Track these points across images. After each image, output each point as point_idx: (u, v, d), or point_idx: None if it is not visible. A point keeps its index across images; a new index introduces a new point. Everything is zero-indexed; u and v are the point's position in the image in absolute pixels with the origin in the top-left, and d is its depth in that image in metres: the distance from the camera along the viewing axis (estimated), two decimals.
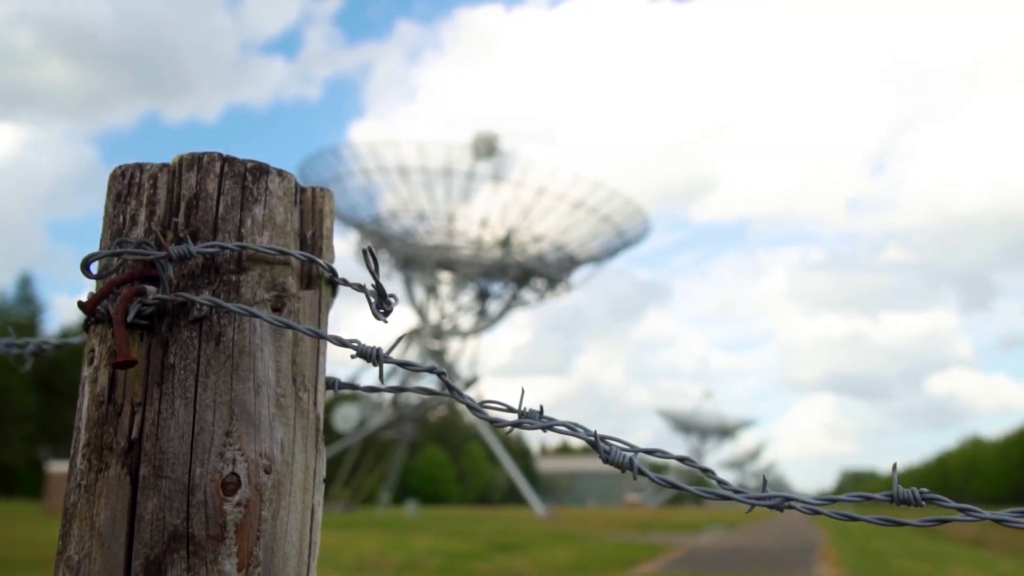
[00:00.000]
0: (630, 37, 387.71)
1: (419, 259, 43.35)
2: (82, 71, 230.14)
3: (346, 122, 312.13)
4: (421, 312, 44.66)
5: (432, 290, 43.90)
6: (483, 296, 47.78)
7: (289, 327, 0.75)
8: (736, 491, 0.71)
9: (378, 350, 0.77)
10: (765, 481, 0.71)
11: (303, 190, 0.87)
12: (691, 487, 0.74)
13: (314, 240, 0.84)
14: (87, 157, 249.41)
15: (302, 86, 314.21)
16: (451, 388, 0.77)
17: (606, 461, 0.73)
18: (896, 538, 24.64)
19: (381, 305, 0.80)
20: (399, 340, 0.79)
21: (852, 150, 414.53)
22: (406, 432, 45.25)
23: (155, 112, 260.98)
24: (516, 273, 44.30)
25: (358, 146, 41.35)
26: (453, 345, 46.05)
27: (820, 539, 24.00)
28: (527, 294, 46.16)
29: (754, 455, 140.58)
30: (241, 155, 0.80)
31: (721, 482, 0.73)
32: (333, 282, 0.84)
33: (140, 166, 0.82)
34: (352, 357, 0.80)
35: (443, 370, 0.78)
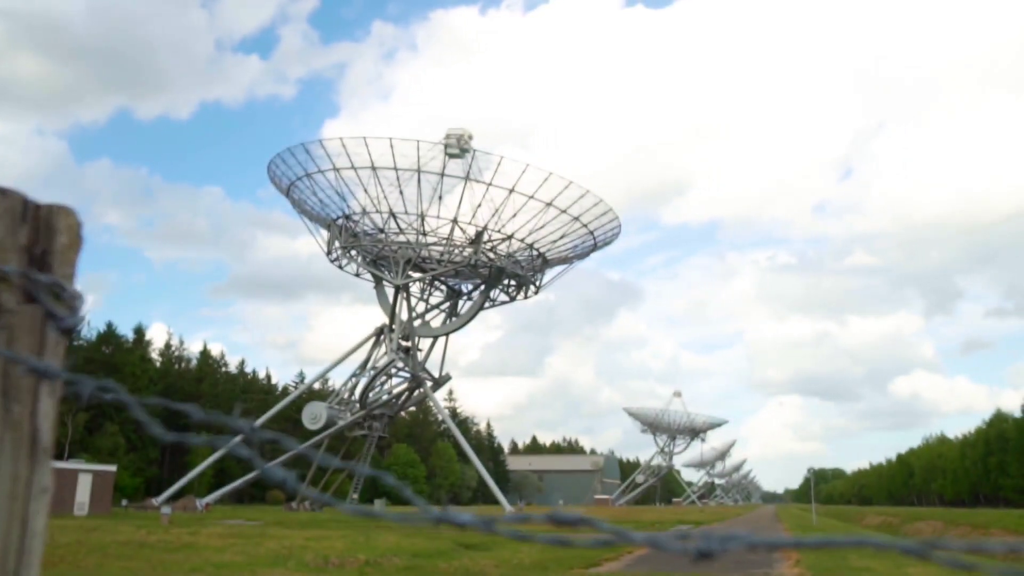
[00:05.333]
0: (604, 41, 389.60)
1: (389, 257, 43.10)
2: (53, 66, 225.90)
3: (320, 121, 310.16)
4: (392, 310, 44.43)
5: (402, 288, 43.66)
6: (453, 295, 47.65)
7: None
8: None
9: None
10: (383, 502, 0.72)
11: (38, 207, 0.85)
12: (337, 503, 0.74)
13: (44, 257, 0.84)
14: (56, 152, 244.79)
15: (277, 85, 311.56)
16: (81, 399, 0.77)
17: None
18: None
19: (62, 329, 0.81)
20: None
21: (820, 156, 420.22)
22: (375, 430, 45.01)
23: (127, 109, 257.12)
24: (487, 272, 44.23)
25: (329, 143, 40.93)
26: (423, 344, 45.90)
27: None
28: (497, 294, 46.12)
29: (723, 455, 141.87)
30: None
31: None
32: (60, 297, 0.84)
33: None
34: None
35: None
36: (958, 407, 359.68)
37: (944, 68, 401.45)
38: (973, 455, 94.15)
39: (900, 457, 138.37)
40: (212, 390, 67.28)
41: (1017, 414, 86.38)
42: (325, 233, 45.09)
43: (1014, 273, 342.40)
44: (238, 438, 0.97)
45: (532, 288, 46.57)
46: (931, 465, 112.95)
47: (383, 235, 43.69)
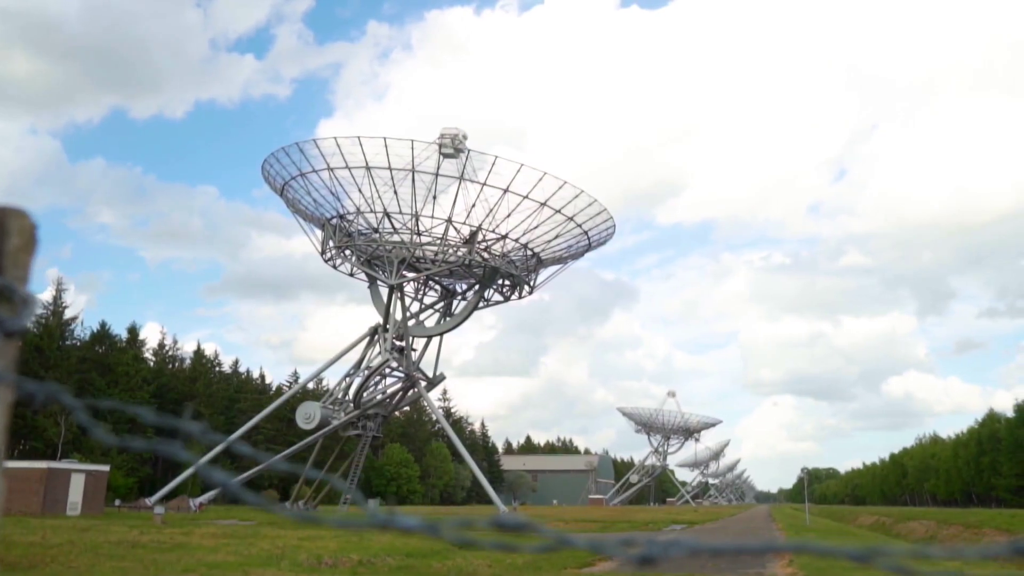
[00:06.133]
0: (599, 42, 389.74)
1: (384, 257, 43.03)
2: (47, 65, 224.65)
3: (315, 121, 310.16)
4: (386, 310, 44.36)
5: (397, 288, 43.59)
6: (448, 295, 47.62)
7: None
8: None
9: None
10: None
11: None
12: None
13: None
14: (50, 151, 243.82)
15: (272, 84, 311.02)
16: None
17: None
18: (851, 537, 25.06)
19: (7, 332, 0.80)
20: None
21: (814, 157, 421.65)
22: (369, 430, 44.95)
23: (122, 108, 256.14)
24: (481, 272, 44.20)
25: (323, 143, 40.80)
26: (417, 343, 45.82)
27: (777, 538, 24.29)
28: (491, 294, 46.07)
29: (717, 455, 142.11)
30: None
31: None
32: (11, 300, 0.83)
33: None
34: None
35: None
36: (951, 407, 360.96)
37: (939, 69, 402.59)
38: (966, 455, 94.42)
39: (893, 457, 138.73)
40: (206, 390, 67.04)
41: (1010, 414, 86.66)
42: (319, 233, 45.02)
43: (1006, 274, 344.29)
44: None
45: (526, 288, 46.58)
46: (924, 465, 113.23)
47: (377, 235, 43.63)
